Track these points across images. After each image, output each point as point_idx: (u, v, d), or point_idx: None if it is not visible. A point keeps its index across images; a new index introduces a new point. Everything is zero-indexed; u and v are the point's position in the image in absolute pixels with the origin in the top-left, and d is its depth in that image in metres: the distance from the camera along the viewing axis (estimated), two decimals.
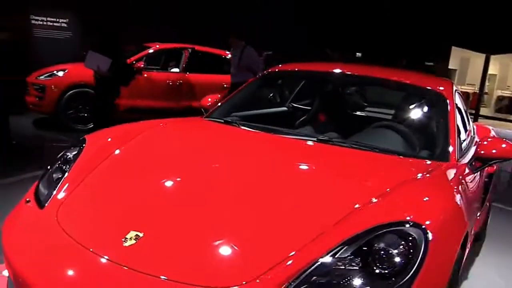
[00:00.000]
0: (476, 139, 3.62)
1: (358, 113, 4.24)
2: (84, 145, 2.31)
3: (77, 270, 1.58)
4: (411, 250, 1.54)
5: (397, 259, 1.52)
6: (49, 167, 2.23)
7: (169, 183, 2.03)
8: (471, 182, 2.51)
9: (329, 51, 6.96)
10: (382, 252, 1.53)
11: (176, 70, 7.77)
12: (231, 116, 3.09)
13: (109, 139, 2.40)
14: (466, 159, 2.63)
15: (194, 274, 1.50)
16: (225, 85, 7.21)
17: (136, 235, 1.65)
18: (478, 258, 3.75)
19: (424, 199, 1.85)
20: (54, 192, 1.99)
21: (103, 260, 1.56)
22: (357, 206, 1.74)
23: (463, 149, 2.74)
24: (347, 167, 2.21)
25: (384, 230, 1.58)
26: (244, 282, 1.45)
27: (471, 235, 2.27)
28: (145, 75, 7.27)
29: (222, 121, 2.88)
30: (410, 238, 1.56)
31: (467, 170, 2.51)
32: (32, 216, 1.90)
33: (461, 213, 1.92)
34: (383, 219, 1.63)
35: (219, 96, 3.52)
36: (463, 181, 2.32)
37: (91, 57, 5.03)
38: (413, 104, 3.19)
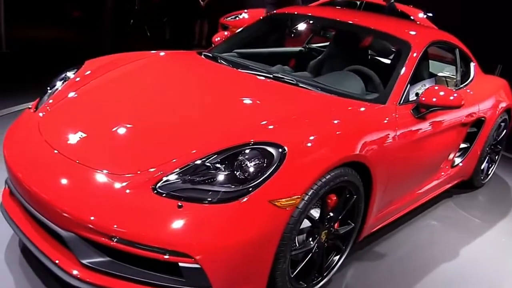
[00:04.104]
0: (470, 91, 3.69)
1: (383, 59, 4.40)
2: (81, 67, 2.94)
3: (37, 156, 2.20)
4: (266, 164, 1.96)
5: (254, 169, 1.95)
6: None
7: (127, 102, 2.56)
8: (407, 125, 2.72)
9: None
10: (244, 162, 1.97)
11: None
12: (232, 53, 3.52)
13: (102, 65, 2.98)
14: (411, 105, 2.83)
15: (106, 164, 2.06)
16: None
17: (81, 135, 2.24)
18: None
19: (301, 127, 2.21)
20: (46, 101, 2.65)
21: (54, 151, 2.18)
22: (242, 128, 2.17)
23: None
24: (269, 99, 2.58)
25: (250, 147, 2.01)
26: (138, 171, 1.99)
27: (385, 169, 2.54)
28: None
29: (210, 56, 3.32)
30: (269, 154, 1.98)
31: (404, 114, 2.73)
32: (26, 118, 2.58)
33: (342, 143, 2.24)
34: (256, 138, 2.06)
35: (225, 33, 3.94)
36: (385, 121, 2.58)
37: None
38: (384, 50, 3.35)
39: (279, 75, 2.89)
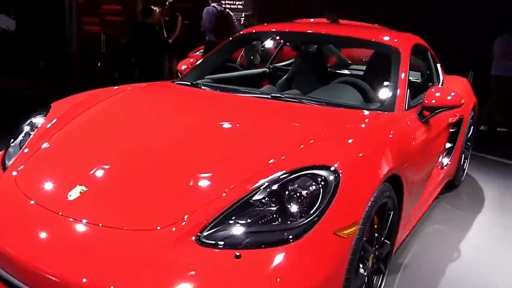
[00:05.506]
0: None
1: (342, 71, 4.37)
2: (48, 111, 2.51)
3: (31, 226, 1.77)
4: (322, 191, 1.71)
5: (309, 199, 1.69)
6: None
7: (119, 143, 2.21)
8: (416, 130, 2.63)
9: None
10: (295, 193, 1.70)
11: None
12: (205, 79, 3.23)
13: (72, 106, 2.57)
14: (415, 109, 2.75)
15: (122, 219, 1.70)
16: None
17: (81, 189, 1.85)
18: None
19: (342, 145, 2.01)
20: (16, 155, 2.19)
21: (51, 215, 1.77)
22: (278, 155, 1.90)
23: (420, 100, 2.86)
24: (285, 120, 2.36)
25: (298, 174, 1.75)
26: (158, 227, 1.65)
27: (412, 179, 2.41)
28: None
29: (189, 83, 3.02)
30: (322, 179, 1.73)
31: (412, 119, 2.64)
32: None
33: (384, 156, 2.06)
34: (298, 164, 1.80)
35: (191, 60, 3.66)
36: (401, 128, 2.46)
37: None
38: (373, 59, 3.29)
39: (278, 95, 2.68)
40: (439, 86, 3.78)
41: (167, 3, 8.22)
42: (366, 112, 2.52)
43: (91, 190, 1.85)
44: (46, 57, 9.20)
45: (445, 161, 3.69)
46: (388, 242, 2.33)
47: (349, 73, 4.31)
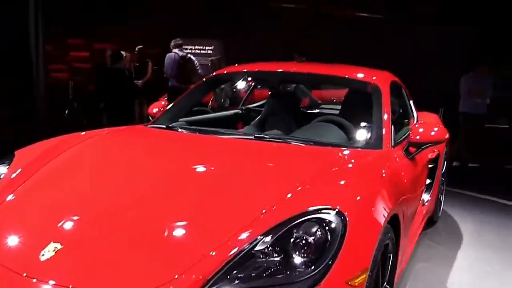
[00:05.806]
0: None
1: (313, 111, 4.34)
2: (12, 160, 2.27)
3: None
4: (329, 234, 1.57)
5: (315, 246, 1.55)
6: None
7: (93, 193, 2.00)
8: (405, 167, 2.57)
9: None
10: (300, 240, 1.56)
11: None
12: (179, 122, 3.07)
13: (39, 154, 2.34)
14: (401, 146, 2.70)
15: (99, 280, 1.50)
16: None
17: (55, 247, 1.62)
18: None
19: (341, 186, 1.90)
20: None
21: (13, 276, 1.54)
22: (274, 200, 1.76)
23: (404, 136, 2.83)
24: (275, 161, 2.24)
25: (302, 219, 1.61)
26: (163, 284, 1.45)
27: (405, 217, 2.32)
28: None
29: (164, 126, 2.86)
30: (326, 223, 1.60)
31: (400, 156, 2.58)
32: None
33: (383, 196, 1.96)
34: (299, 208, 1.66)
35: (162, 103, 3.51)
36: (392, 166, 2.38)
37: None
38: (351, 97, 3.26)
39: (262, 135, 2.56)
40: (415, 122, 3.79)
41: (136, 48, 8.18)
42: (354, 151, 2.44)
43: (66, 248, 1.63)
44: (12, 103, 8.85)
45: (426, 197, 3.66)
46: (388, 287, 2.20)
47: (320, 112, 4.29)
